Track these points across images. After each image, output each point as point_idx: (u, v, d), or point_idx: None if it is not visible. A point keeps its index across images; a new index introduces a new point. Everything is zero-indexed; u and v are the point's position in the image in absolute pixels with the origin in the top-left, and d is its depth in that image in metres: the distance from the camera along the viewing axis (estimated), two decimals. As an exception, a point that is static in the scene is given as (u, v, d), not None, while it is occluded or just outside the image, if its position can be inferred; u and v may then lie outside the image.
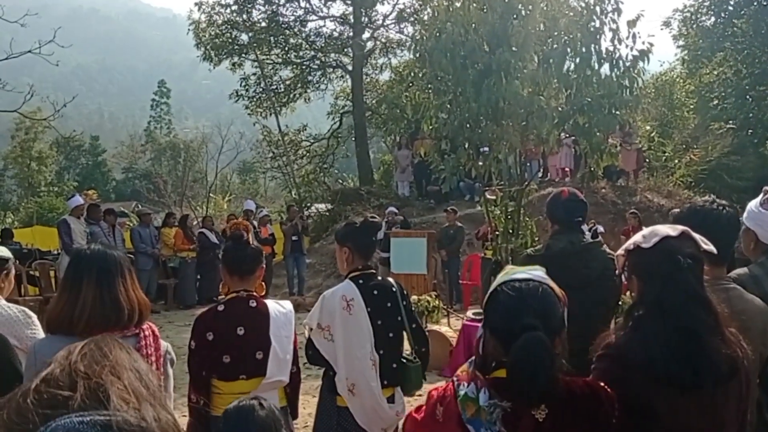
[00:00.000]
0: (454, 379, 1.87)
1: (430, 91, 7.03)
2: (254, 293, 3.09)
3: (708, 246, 2.13)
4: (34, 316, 2.99)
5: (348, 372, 3.31)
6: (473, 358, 1.95)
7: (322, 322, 3.38)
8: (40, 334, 3.02)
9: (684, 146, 18.73)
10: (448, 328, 8.12)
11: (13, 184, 44.66)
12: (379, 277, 3.52)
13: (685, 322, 1.93)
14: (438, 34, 6.79)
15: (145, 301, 2.46)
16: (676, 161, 17.52)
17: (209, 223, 13.05)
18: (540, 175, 13.55)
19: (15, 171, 43.03)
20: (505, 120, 6.70)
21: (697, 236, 2.11)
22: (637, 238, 2.17)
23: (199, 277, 12.30)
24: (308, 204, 18.75)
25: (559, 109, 6.61)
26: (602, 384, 1.91)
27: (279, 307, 3.09)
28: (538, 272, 1.89)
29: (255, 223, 12.22)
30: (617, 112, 6.46)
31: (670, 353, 1.90)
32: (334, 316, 3.35)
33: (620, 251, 2.24)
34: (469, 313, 7.65)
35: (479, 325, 6.54)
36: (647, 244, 2.09)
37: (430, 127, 7.02)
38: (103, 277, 2.33)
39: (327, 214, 18.16)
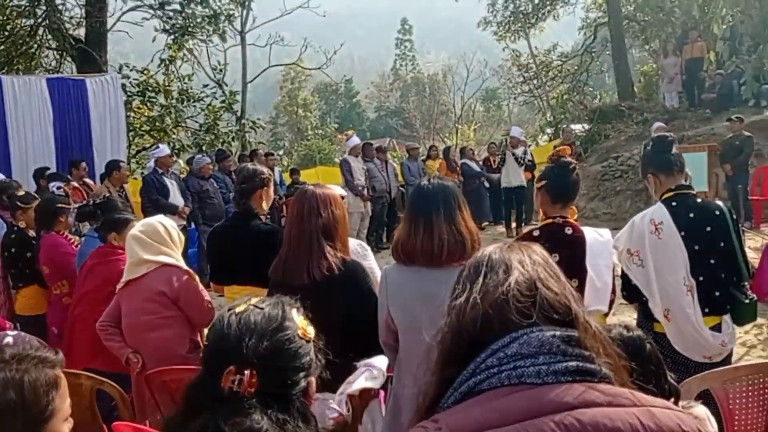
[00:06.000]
0: None
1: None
2: (569, 219, 3.04)
3: None
4: (369, 249, 3.30)
5: (661, 298, 3.16)
6: None
7: (631, 247, 3.26)
8: (374, 264, 3.34)
9: None
10: (746, 248, 7.35)
11: (285, 131, 49.82)
12: (699, 200, 3.23)
13: None
14: None
15: (477, 231, 2.57)
16: None
17: (470, 153, 13.27)
18: None
19: (286, 119, 47.94)
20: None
21: None
22: None
23: (464, 205, 12.67)
24: (565, 125, 18.05)
25: None
26: None
27: (597, 236, 2.99)
28: None
29: (518, 151, 11.96)
30: None
31: None
32: (643, 240, 3.20)
33: None
34: (774, 233, 6.85)
35: (786, 244, 5.73)
36: None
37: (723, 27, 6.19)
38: (449, 212, 2.46)
39: (584, 134, 17.33)
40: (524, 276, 1.16)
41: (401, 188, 11.75)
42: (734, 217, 3.23)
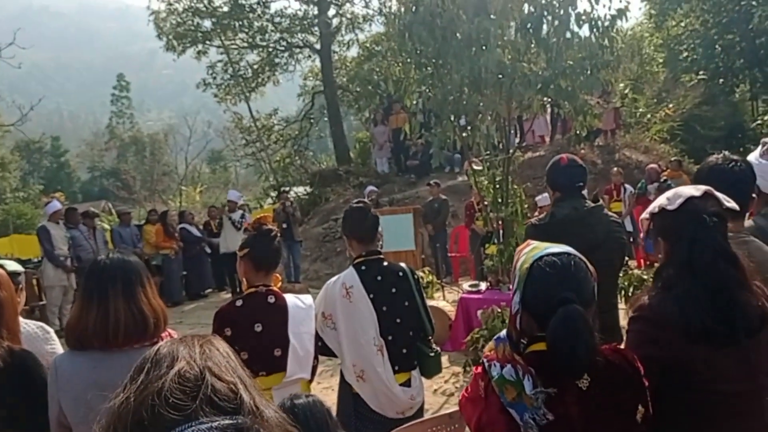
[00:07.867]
0: (484, 360, 1.88)
1: (410, 65, 6.93)
2: (273, 288, 3.03)
3: (730, 203, 2.16)
4: (52, 331, 2.91)
5: (354, 359, 3.29)
6: (500, 335, 1.95)
7: (325, 310, 3.36)
8: (59, 349, 2.95)
9: (656, 101, 18.87)
10: (445, 302, 8.14)
11: (-24, 193, 43.54)
12: (386, 263, 3.43)
13: (715, 279, 1.94)
14: (414, 7, 6.67)
15: (164, 308, 2.41)
16: (649, 116, 17.66)
17: (190, 218, 12.84)
18: (517, 141, 13.55)
19: (-22, 179, 41.94)
20: (488, 89, 6.64)
21: (719, 195, 2.13)
22: (661, 200, 2.17)
23: (185, 272, 12.13)
24: (287, 188, 18.62)
25: (541, 74, 6.56)
26: (625, 348, 1.97)
27: (299, 303, 3.01)
28: (568, 247, 1.88)
29: (235, 215, 11.90)
30: (599, 73, 6.43)
31: (704, 310, 1.92)
32: (335, 304, 3.32)
33: (644, 215, 2.25)
34: (465, 286, 7.67)
35: (476, 297, 6.53)
36: (672, 206, 2.10)
37: (414, 102, 6.92)
38: (128, 288, 2.27)
39: (307, 197, 18.01)
40: (190, 367, 1.05)
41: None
42: (416, 276, 3.49)
